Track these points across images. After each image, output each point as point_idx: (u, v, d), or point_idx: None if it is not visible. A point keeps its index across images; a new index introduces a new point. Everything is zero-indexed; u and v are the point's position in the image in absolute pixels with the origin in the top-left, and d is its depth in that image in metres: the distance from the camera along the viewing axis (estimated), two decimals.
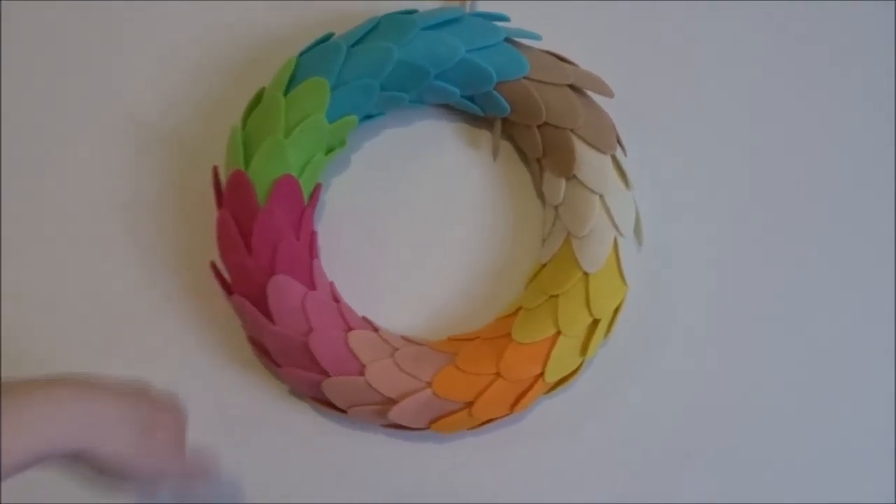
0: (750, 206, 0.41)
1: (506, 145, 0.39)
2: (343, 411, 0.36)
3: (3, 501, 0.37)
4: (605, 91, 0.37)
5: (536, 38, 0.37)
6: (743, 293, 0.41)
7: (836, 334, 0.41)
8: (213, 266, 0.36)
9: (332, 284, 0.37)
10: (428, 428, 0.36)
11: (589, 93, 0.37)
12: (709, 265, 0.41)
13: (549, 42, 0.38)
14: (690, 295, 0.40)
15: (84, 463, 0.27)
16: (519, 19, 0.37)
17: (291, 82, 0.35)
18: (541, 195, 0.39)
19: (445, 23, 0.36)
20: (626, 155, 0.37)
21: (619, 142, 0.37)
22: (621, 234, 0.36)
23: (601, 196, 0.36)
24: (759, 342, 0.41)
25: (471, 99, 0.37)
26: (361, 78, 0.35)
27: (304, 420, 0.37)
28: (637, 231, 0.38)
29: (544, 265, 0.37)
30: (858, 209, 0.42)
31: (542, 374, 0.36)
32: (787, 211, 0.42)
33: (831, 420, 0.41)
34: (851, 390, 0.41)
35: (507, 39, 0.37)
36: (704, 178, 0.41)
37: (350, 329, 0.36)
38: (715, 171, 0.41)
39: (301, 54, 0.35)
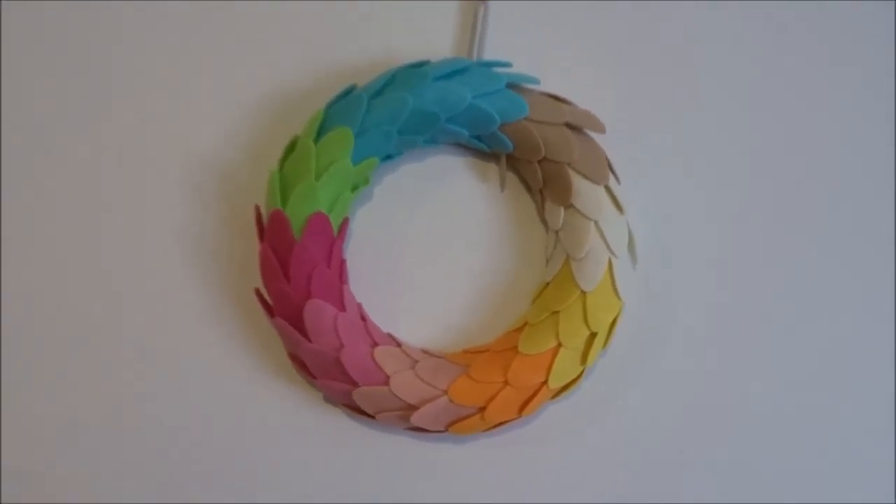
0: (748, 207, 0.42)
1: (511, 178, 0.43)
2: (371, 416, 0.40)
3: (3, 501, 0.40)
4: (598, 127, 0.40)
5: (535, 81, 0.41)
6: (742, 295, 0.42)
7: (836, 334, 0.42)
8: (258, 292, 0.40)
9: (359, 306, 0.41)
10: (446, 430, 0.40)
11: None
12: (708, 267, 0.42)
13: (550, 76, 0.41)
14: (689, 298, 0.42)
15: None
16: (522, 57, 0.41)
17: (320, 131, 0.39)
18: (544, 222, 0.42)
19: (454, 73, 0.40)
20: (619, 182, 0.41)
21: (612, 170, 0.40)
22: (615, 256, 0.40)
23: (596, 222, 0.40)
24: (758, 343, 0.42)
25: (478, 138, 0.41)
26: (381, 125, 0.39)
27: (338, 424, 0.41)
28: (631, 251, 0.41)
29: (547, 284, 0.41)
30: (859, 210, 0.42)
31: (545, 382, 0.39)
32: (787, 212, 0.42)
33: (831, 420, 0.42)
34: (851, 390, 0.42)
35: (509, 85, 0.40)
36: (704, 180, 0.42)
37: (376, 345, 0.40)
38: (714, 172, 0.42)
39: (328, 106, 0.40)
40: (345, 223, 0.40)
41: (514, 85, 0.41)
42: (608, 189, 0.40)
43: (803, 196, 0.42)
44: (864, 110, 0.43)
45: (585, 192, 0.40)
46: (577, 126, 0.40)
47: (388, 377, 0.39)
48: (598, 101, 0.41)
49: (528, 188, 0.43)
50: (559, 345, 0.39)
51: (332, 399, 0.41)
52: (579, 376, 0.40)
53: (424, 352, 0.41)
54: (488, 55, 0.42)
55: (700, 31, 0.43)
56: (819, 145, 0.42)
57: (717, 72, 0.43)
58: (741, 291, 0.42)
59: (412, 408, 0.39)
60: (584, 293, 0.39)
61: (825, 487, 0.42)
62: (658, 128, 0.43)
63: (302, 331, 0.39)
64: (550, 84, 0.41)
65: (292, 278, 0.39)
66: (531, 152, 0.40)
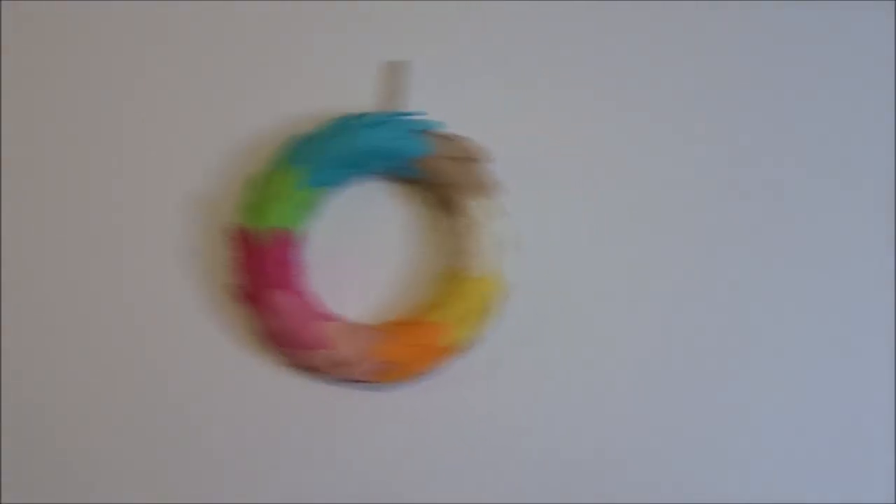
0: (620, 204, 0.50)
1: (426, 196, 0.54)
2: (325, 373, 0.50)
3: (3, 501, 0.44)
4: (487, 157, 0.53)
5: (441, 126, 0.53)
6: (615, 276, 0.50)
7: (834, 333, 0.45)
8: (235, 285, 0.51)
9: (312, 293, 0.52)
10: (379, 381, 0.51)
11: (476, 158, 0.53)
12: (583, 254, 0.49)
13: (458, 117, 0.51)
14: (568, 280, 0.50)
15: None
16: (439, 104, 0.52)
17: (281, 167, 0.51)
18: (451, 227, 0.52)
19: (379, 123, 0.52)
20: (506, 195, 0.52)
21: (498, 188, 0.52)
22: (502, 250, 0.52)
23: (486, 226, 0.52)
24: (626, 318, 0.50)
25: (399, 169, 0.53)
26: (328, 162, 0.51)
27: (298, 380, 0.51)
28: (516, 246, 0.52)
29: (452, 272, 0.52)
30: (859, 210, 0.44)
31: (449, 344, 0.51)
32: (654, 204, 0.50)
33: (831, 420, 0.43)
34: (851, 390, 0.43)
35: (421, 130, 0.52)
36: (579, 186, 0.51)
37: (325, 321, 0.51)
38: (589, 178, 0.51)
39: (288, 148, 0.51)
40: (301, 235, 0.52)
41: (424, 129, 0.53)
42: (495, 201, 0.53)
43: (674, 189, 0.49)
44: (865, 113, 0.44)
45: (479, 205, 0.52)
46: (471, 157, 0.53)
47: (336, 343, 0.51)
48: (492, 133, 0.52)
49: (439, 203, 0.53)
50: (459, 316, 0.51)
51: (293, 364, 0.51)
52: (476, 339, 0.52)
53: (362, 325, 0.50)
54: (413, 103, 0.53)
55: (569, 71, 0.52)
56: (815, 145, 0.44)
57: (589, 92, 0.50)
58: (615, 274, 0.50)
59: (352, 365, 0.51)
60: (478, 278, 0.51)
61: (825, 487, 0.42)
62: (540, 150, 0.53)
63: (268, 313, 0.50)
64: (458, 123, 0.52)
65: (261, 276, 0.51)
66: (437, 178, 0.53)
